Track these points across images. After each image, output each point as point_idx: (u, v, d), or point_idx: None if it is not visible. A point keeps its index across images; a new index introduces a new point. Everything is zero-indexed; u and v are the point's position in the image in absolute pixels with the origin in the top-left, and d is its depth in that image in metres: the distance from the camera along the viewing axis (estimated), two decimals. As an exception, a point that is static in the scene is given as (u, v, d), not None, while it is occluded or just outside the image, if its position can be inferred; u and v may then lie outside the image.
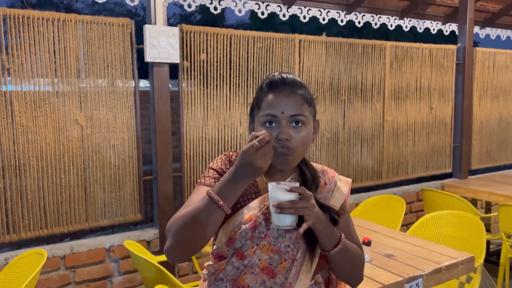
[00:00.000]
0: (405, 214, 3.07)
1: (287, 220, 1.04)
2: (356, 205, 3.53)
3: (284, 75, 1.16)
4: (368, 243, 1.95)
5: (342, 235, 1.16)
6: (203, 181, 1.19)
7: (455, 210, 2.87)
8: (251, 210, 1.15)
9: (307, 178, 1.20)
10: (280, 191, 1.04)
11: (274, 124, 1.11)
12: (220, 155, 1.25)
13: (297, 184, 1.06)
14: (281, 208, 1.01)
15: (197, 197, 1.10)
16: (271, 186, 1.05)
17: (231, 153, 1.25)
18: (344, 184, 1.27)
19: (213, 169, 1.21)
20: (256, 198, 1.17)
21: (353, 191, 3.78)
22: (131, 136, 2.72)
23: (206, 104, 2.95)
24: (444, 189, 3.89)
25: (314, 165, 1.28)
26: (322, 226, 1.10)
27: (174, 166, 2.87)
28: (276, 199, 1.03)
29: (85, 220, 2.62)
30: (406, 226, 3.91)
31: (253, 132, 1.01)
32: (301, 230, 1.05)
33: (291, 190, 1.03)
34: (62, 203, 2.54)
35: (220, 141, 3.01)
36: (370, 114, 3.75)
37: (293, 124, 1.12)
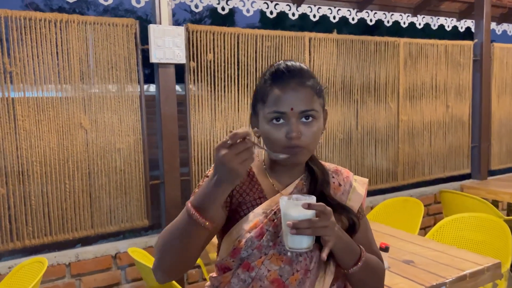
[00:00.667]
0: (423, 216, 2.93)
1: (303, 242, 0.92)
2: (371, 208, 3.40)
3: (290, 63, 1.04)
4: (385, 249, 1.83)
5: (363, 250, 1.05)
6: (197, 190, 1.10)
7: (476, 212, 2.73)
8: (257, 216, 1.04)
9: (316, 175, 1.09)
10: (294, 208, 0.91)
11: (282, 120, 1.01)
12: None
13: (314, 199, 0.94)
14: (298, 228, 0.89)
15: None
16: (284, 201, 0.93)
17: None
18: (360, 184, 1.15)
19: (207, 176, 1.10)
20: (261, 202, 1.06)
21: (368, 193, 3.62)
22: (137, 140, 2.65)
23: (214, 106, 2.86)
24: (464, 190, 3.74)
25: (327, 164, 1.17)
26: (343, 245, 0.99)
27: (182, 170, 2.78)
28: (291, 218, 0.91)
29: (91, 227, 2.54)
30: (423, 229, 3.76)
31: (234, 131, 0.85)
32: (324, 255, 0.93)
33: (309, 207, 0.90)
34: (67, 209, 2.47)
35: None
36: (384, 114, 3.62)
37: (303, 120, 1.01)
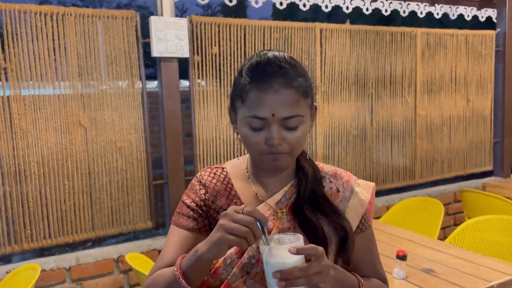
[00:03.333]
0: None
1: None
2: (387, 208, 3.23)
3: (273, 57, 0.87)
4: (403, 257, 1.67)
5: (361, 281, 0.90)
6: (175, 219, 0.98)
7: (500, 214, 2.54)
8: None
9: (306, 171, 0.95)
10: (279, 254, 0.75)
11: (262, 124, 0.87)
12: (193, 178, 1.02)
13: (301, 240, 0.78)
14: (288, 279, 0.74)
15: (170, 245, 0.94)
16: (265, 248, 0.77)
17: (202, 173, 1.01)
18: (365, 189, 0.99)
19: (183, 203, 0.99)
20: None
21: (384, 192, 3.49)
22: (139, 138, 2.53)
23: (220, 102, 2.72)
24: (486, 189, 3.54)
25: (325, 167, 1.02)
26: (339, 285, 0.84)
27: (186, 169, 2.66)
28: (277, 267, 0.75)
29: (91, 229, 2.44)
30: (442, 229, 3.58)
31: (256, 210, 0.78)
32: None
33: (297, 253, 0.74)
34: (66, 211, 2.37)
35: (235, 141, 2.78)
36: (401, 108, 3.43)
37: (286, 125, 0.87)
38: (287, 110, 0.85)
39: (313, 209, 0.92)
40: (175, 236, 0.95)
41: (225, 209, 0.85)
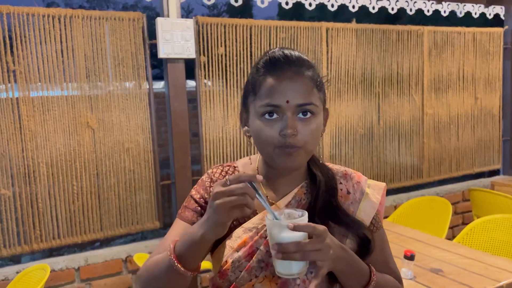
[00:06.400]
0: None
1: (293, 268, 0.78)
2: (395, 207, 3.22)
3: (287, 51, 0.89)
4: (411, 257, 1.67)
5: (373, 271, 0.89)
6: (181, 212, 0.97)
7: (509, 212, 2.52)
8: (246, 233, 0.90)
9: (318, 180, 0.93)
10: (280, 228, 0.76)
11: (275, 115, 0.86)
12: (204, 174, 1.01)
13: (305, 216, 0.79)
14: (284, 253, 0.75)
15: (172, 237, 0.91)
16: (267, 220, 0.79)
17: (214, 170, 1.00)
18: (376, 190, 0.98)
19: (192, 197, 0.97)
20: (252, 216, 0.92)
21: (391, 191, 3.47)
22: (146, 138, 2.54)
23: (226, 102, 2.73)
24: (495, 187, 3.51)
25: (335, 167, 1.00)
26: (344, 265, 0.83)
27: (193, 169, 2.67)
28: (276, 239, 0.76)
29: (100, 229, 2.45)
30: (451, 229, 3.56)
31: (239, 173, 0.79)
32: (315, 285, 0.79)
33: (295, 229, 0.75)
34: (75, 211, 2.39)
35: (242, 141, 2.78)
36: (408, 107, 3.42)
37: (301, 115, 0.86)
38: (301, 98, 0.85)
39: (327, 219, 0.90)
40: (178, 229, 0.93)
41: None
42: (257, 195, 0.77)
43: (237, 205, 0.74)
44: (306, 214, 0.80)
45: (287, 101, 0.84)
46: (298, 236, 0.76)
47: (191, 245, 0.81)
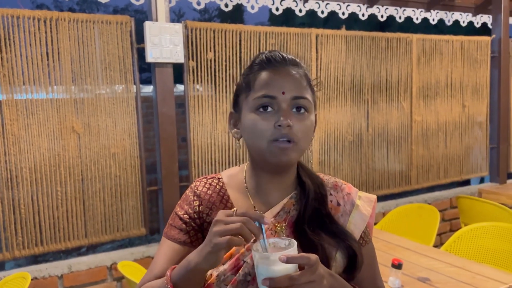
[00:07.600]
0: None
1: None
2: (383, 214, 3.21)
3: (282, 52, 0.91)
4: (398, 266, 1.65)
5: None
6: (167, 231, 0.95)
7: (496, 220, 2.53)
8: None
9: (308, 188, 0.91)
10: (270, 261, 0.73)
11: (270, 109, 0.85)
12: (188, 189, 0.99)
13: (295, 246, 0.75)
14: (276, 287, 0.72)
15: (161, 258, 0.90)
16: (254, 252, 0.75)
17: (197, 183, 0.97)
18: (366, 202, 0.96)
19: (176, 214, 0.95)
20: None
21: (380, 198, 3.45)
22: (133, 144, 2.50)
23: (215, 107, 2.71)
24: (482, 195, 3.53)
25: (325, 177, 0.98)
26: None
27: (181, 174, 2.63)
28: (266, 274, 0.73)
29: (84, 236, 2.41)
30: (438, 236, 3.57)
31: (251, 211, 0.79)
32: None
33: (288, 261, 0.72)
34: (59, 217, 2.34)
35: (230, 147, 2.76)
36: (397, 114, 3.43)
37: (295, 110, 0.86)
38: (297, 90, 0.86)
39: (316, 228, 0.89)
40: (166, 249, 0.92)
41: None
42: (260, 242, 0.76)
43: (232, 234, 0.73)
44: (295, 243, 0.77)
45: (283, 93, 0.85)
46: (289, 268, 0.73)
47: (187, 274, 0.79)
